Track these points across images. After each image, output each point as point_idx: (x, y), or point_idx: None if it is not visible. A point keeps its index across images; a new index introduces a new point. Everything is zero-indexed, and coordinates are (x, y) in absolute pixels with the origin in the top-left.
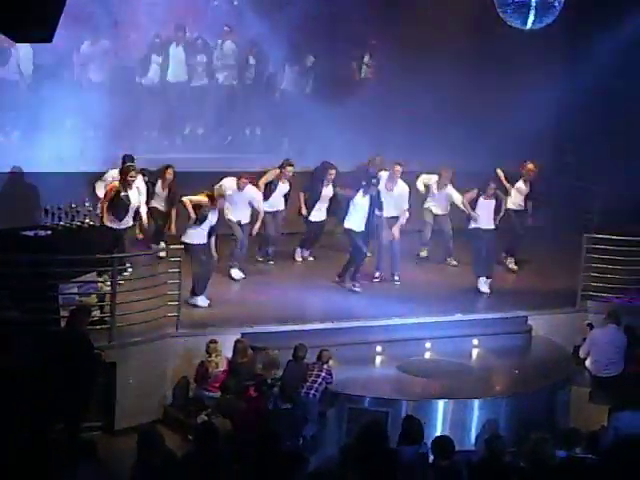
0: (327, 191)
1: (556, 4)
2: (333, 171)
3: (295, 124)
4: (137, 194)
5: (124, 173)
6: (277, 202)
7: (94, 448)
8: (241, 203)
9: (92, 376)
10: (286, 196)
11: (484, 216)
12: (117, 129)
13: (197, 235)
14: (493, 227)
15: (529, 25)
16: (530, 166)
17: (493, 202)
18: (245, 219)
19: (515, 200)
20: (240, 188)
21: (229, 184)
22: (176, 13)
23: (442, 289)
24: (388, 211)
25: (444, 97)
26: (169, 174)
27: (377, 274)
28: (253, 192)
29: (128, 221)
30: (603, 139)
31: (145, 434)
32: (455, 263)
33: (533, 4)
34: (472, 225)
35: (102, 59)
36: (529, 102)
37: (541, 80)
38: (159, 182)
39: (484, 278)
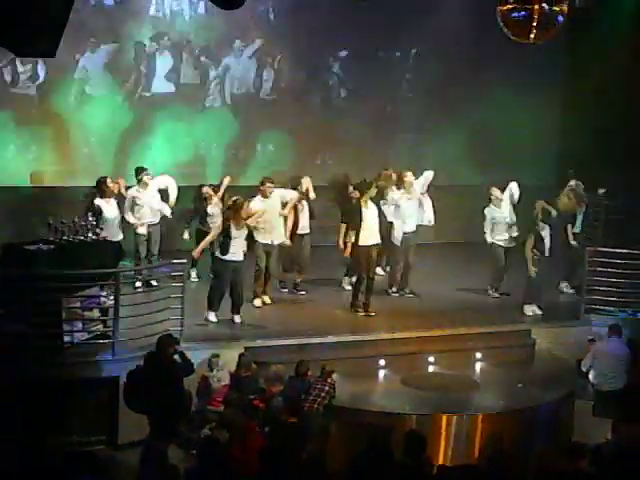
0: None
1: (559, 18)
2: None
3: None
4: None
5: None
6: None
7: (94, 461)
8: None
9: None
10: None
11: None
12: (120, 143)
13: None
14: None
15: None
16: None
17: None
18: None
19: None
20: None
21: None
22: (184, 25)
23: (446, 302)
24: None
25: (455, 111)
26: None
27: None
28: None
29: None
30: (609, 150)
31: (148, 448)
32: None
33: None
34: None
35: (106, 73)
36: (534, 114)
37: (544, 90)
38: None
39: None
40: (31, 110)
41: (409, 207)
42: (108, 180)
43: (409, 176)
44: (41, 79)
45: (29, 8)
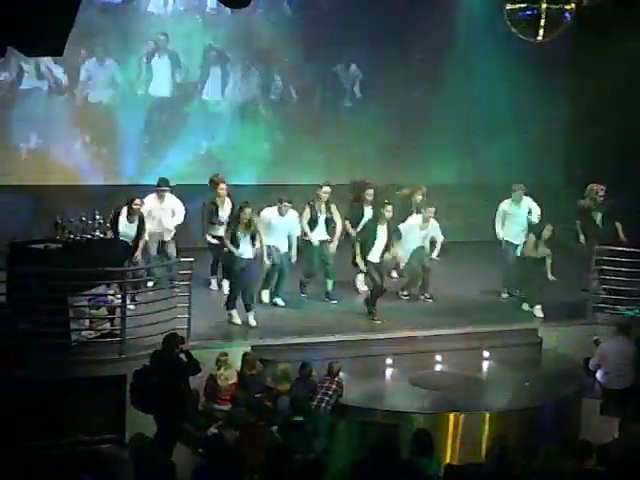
0: (368, 213)
1: (567, 15)
2: (371, 190)
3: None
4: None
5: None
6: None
7: (98, 460)
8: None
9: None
10: None
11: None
12: (128, 143)
13: None
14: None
15: (539, 38)
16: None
17: None
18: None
19: None
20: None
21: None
22: (189, 24)
23: (453, 301)
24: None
25: (457, 108)
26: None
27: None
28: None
29: None
30: (616, 150)
31: (135, 444)
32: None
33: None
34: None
35: (113, 74)
36: (539, 114)
37: (550, 92)
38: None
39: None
40: (38, 109)
41: (415, 235)
42: (136, 200)
43: (421, 195)
44: (47, 78)
45: (37, 7)
